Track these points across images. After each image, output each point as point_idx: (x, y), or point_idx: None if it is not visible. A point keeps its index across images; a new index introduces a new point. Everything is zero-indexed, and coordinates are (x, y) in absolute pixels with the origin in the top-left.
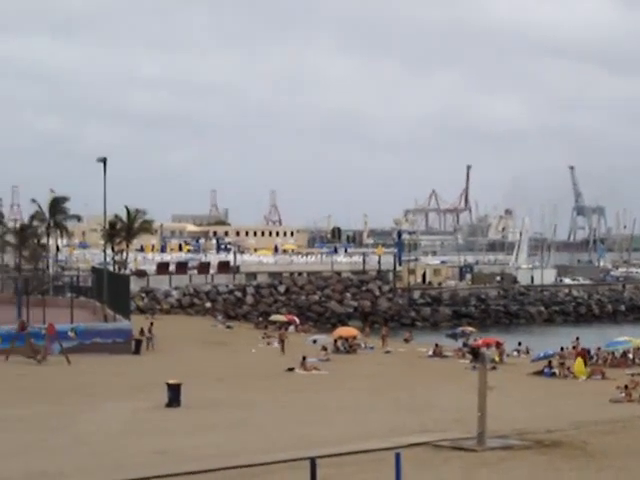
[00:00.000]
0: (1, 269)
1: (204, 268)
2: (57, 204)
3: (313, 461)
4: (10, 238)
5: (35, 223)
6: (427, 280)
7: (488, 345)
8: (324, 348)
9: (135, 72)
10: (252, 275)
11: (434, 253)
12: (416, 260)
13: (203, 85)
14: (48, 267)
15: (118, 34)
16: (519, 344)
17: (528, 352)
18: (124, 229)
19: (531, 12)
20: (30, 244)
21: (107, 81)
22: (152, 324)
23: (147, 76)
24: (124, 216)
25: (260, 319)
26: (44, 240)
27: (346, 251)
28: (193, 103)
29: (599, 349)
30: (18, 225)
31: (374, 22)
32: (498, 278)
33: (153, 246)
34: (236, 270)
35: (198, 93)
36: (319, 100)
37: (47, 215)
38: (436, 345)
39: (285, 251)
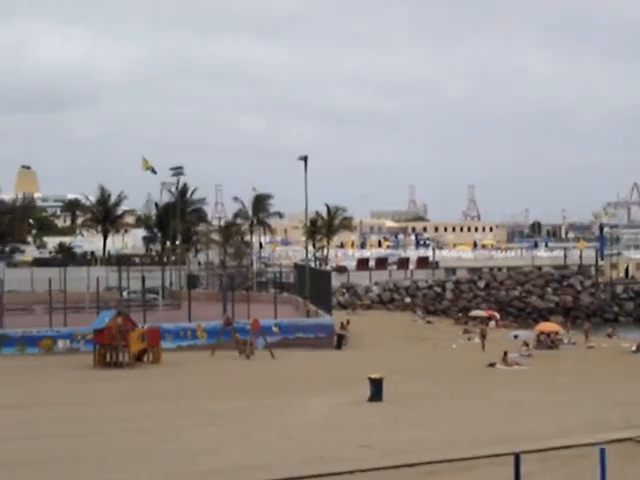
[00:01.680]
0: (207, 266)
1: (403, 264)
2: (260, 202)
3: (517, 456)
4: (215, 236)
5: (239, 221)
6: (630, 274)
7: None
8: (525, 343)
9: (336, 70)
10: (451, 270)
11: (637, 247)
12: (618, 254)
13: (402, 81)
14: (252, 264)
15: (320, 33)
16: None
17: None
18: (325, 226)
19: None
20: (234, 241)
21: (309, 80)
22: (347, 322)
23: (348, 74)
24: (325, 213)
25: (460, 314)
26: (247, 237)
27: (546, 245)
28: (393, 99)
29: None
30: (222, 223)
31: (574, 14)
32: None
33: (353, 242)
34: (435, 265)
35: (397, 89)
36: (516, 94)
37: (250, 213)
38: None
39: (484, 246)
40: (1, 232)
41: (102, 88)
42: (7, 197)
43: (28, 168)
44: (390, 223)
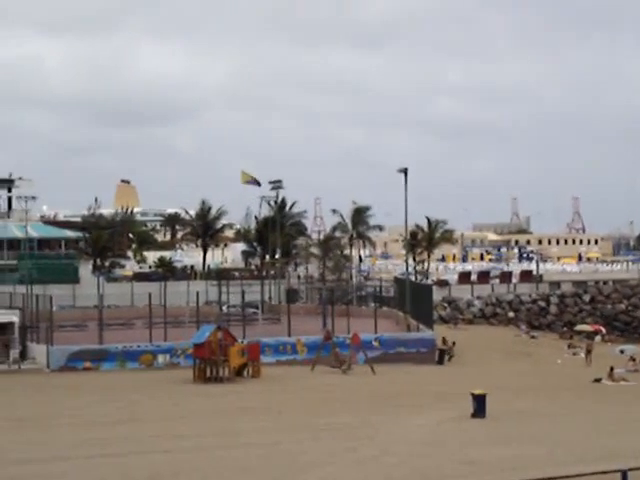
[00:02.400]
0: (306, 280)
1: (506, 277)
2: (359, 215)
3: (625, 474)
4: (314, 249)
5: (338, 234)
6: None
7: None
8: (632, 359)
9: (438, 81)
10: (556, 284)
11: None
12: None
13: (505, 92)
14: (351, 277)
15: (419, 43)
16: None
17: None
18: (425, 239)
19: None
20: (333, 255)
21: (409, 91)
22: (453, 343)
23: (450, 85)
24: (425, 226)
25: (565, 329)
26: (347, 251)
27: None
28: (495, 110)
29: None
30: (321, 236)
31: None
32: None
33: (454, 256)
34: (539, 279)
35: (500, 100)
36: (622, 102)
37: (350, 226)
38: None
39: (589, 259)
40: (101, 247)
41: (202, 101)
42: (107, 212)
43: (128, 182)
44: (492, 236)
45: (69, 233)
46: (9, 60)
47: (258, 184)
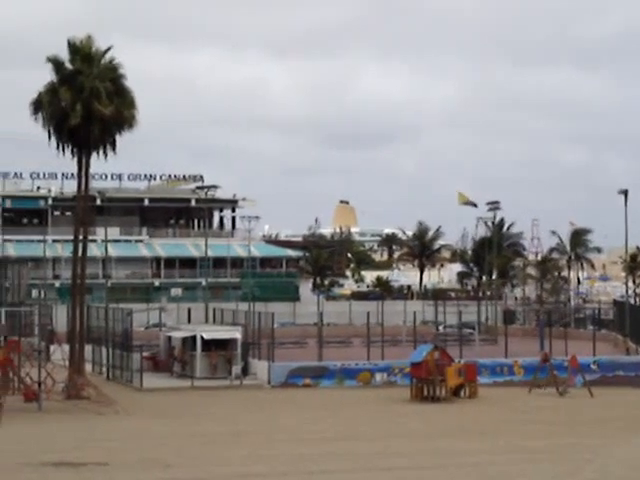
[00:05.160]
0: (523, 301)
1: None
2: (578, 236)
3: None
4: (531, 270)
5: (555, 255)
6: None
7: None
8: None
9: None
10: None
11: None
12: None
13: None
14: (569, 299)
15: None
16: None
17: None
18: None
19: None
20: (551, 276)
21: (634, 111)
22: None
23: None
24: None
25: None
26: (565, 272)
27: None
28: None
29: None
30: (539, 258)
31: None
32: None
33: None
34: None
35: None
36: None
37: (568, 247)
38: None
39: None
40: (321, 266)
41: (423, 122)
42: (327, 231)
43: (346, 203)
44: None
45: (290, 252)
46: (239, 82)
47: (474, 205)
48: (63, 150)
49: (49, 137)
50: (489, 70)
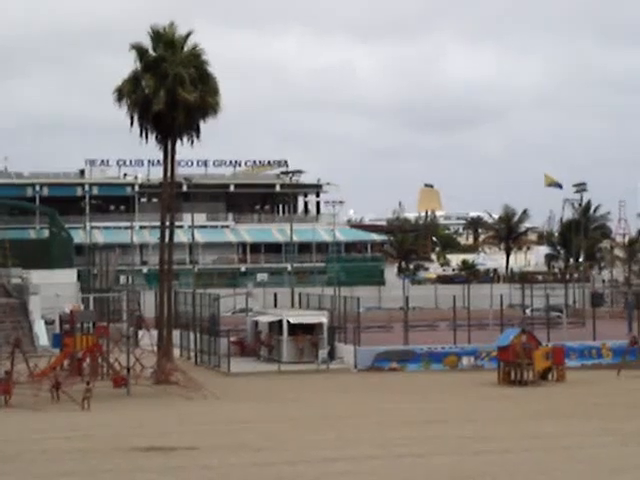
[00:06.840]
0: (611, 284)
1: None
2: None
3: None
4: (619, 252)
5: None
6: None
7: None
8: None
9: None
10: None
11: None
12: None
13: None
14: None
15: None
16: None
17: None
18: None
19: None
20: (638, 258)
21: None
22: None
23: None
24: None
25: None
26: None
27: None
28: None
29: None
30: (626, 239)
31: None
32: None
33: None
34: None
35: None
36: None
37: None
38: None
39: None
40: (406, 250)
41: (509, 104)
42: (411, 215)
43: (431, 186)
44: None
45: (375, 236)
46: (325, 66)
47: (560, 187)
48: (147, 137)
49: (131, 124)
50: (578, 49)
